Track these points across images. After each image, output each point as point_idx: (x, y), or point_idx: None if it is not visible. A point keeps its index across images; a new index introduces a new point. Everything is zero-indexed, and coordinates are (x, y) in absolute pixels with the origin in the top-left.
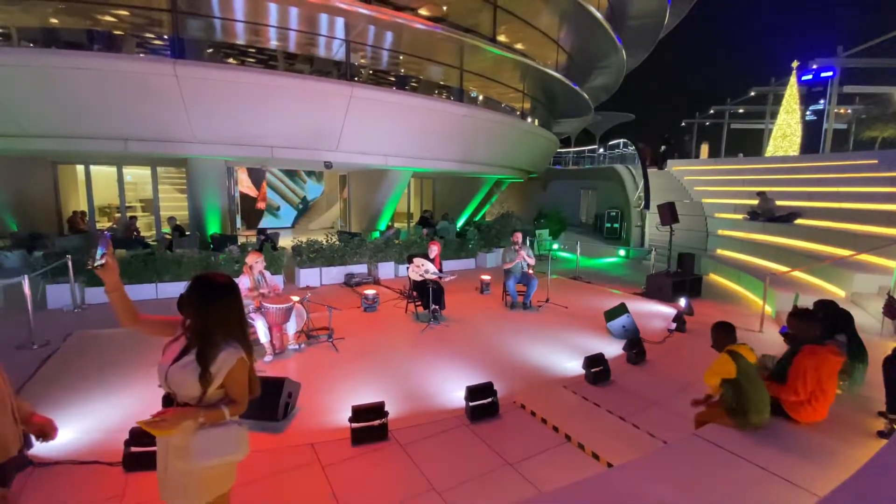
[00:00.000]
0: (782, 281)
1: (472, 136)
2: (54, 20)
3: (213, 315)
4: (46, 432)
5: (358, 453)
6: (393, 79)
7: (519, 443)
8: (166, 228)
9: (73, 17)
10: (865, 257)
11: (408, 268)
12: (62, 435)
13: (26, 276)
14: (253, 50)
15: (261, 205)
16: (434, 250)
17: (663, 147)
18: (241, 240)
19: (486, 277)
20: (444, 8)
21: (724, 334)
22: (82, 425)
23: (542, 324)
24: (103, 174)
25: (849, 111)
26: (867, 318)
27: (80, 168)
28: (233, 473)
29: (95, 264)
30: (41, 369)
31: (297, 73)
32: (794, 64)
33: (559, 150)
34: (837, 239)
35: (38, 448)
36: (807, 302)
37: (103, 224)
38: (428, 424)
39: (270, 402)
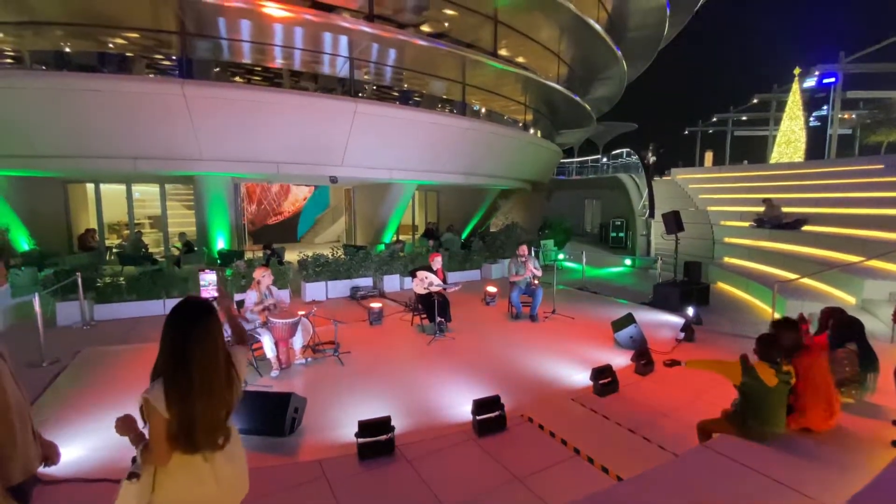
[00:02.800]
0: (791, 288)
1: (476, 149)
2: (65, 43)
3: (160, 342)
4: (50, 456)
5: (365, 469)
6: (396, 94)
7: (527, 457)
8: (177, 244)
9: (83, 40)
10: (875, 263)
11: (412, 281)
12: (71, 452)
13: (37, 294)
14: (259, 69)
15: (272, 219)
16: (437, 262)
17: (653, 158)
18: (247, 255)
19: (491, 289)
20: (446, 24)
21: (763, 347)
22: (91, 442)
23: (548, 335)
24: (112, 192)
25: (853, 116)
26: (878, 324)
27: (89, 186)
28: None
29: (206, 293)
30: (51, 386)
31: (301, 91)
32: (797, 70)
33: (562, 160)
34: (846, 245)
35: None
36: (815, 309)
37: (112, 241)
38: (435, 439)
39: (277, 418)
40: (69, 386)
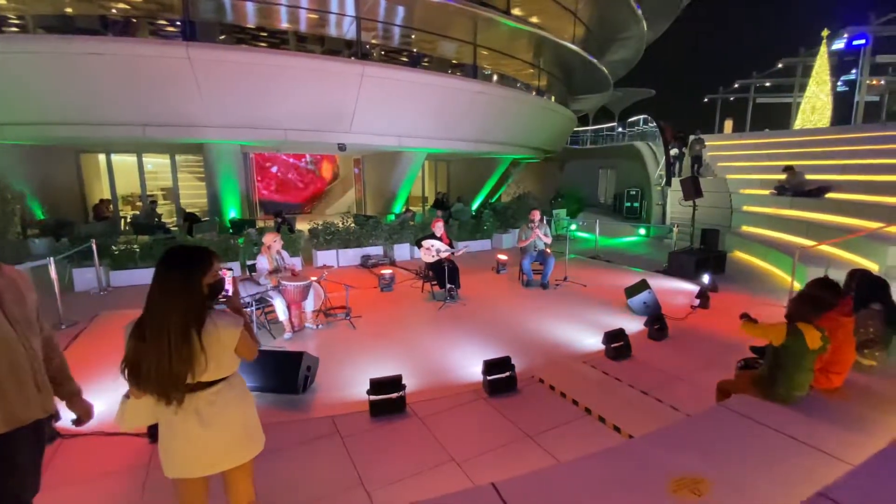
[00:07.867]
0: (812, 256)
1: (487, 115)
2: (69, 8)
3: None
4: (82, 417)
5: (377, 425)
6: (405, 58)
7: (538, 416)
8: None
9: (86, 2)
10: None
11: (420, 252)
12: None
13: (52, 259)
14: (264, 33)
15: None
16: (439, 228)
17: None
18: (259, 223)
19: (502, 257)
20: None
21: (808, 306)
22: (110, 399)
23: (559, 302)
24: (124, 163)
25: (882, 82)
26: None
27: (101, 157)
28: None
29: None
30: (70, 347)
31: (306, 53)
32: (825, 33)
33: (577, 128)
34: (870, 212)
35: (66, 421)
36: (839, 276)
37: (126, 212)
38: (446, 398)
39: (290, 376)
40: (88, 346)
